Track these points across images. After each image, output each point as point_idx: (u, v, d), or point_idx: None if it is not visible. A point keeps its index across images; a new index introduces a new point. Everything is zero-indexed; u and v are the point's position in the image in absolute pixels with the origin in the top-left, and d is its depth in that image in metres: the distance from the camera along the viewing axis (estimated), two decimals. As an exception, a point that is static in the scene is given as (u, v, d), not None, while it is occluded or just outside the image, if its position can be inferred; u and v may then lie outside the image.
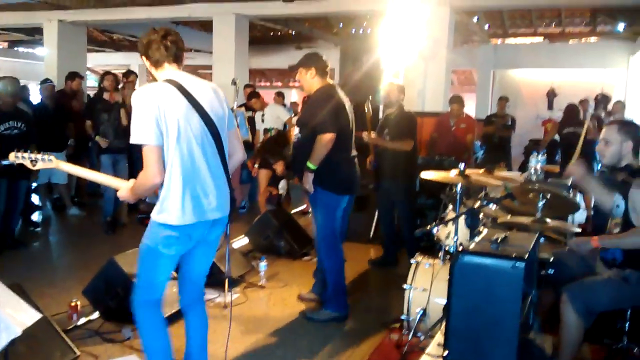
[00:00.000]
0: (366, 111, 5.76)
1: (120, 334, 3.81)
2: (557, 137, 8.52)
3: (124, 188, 2.75)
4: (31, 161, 2.86)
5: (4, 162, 3.11)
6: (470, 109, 13.06)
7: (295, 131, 4.27)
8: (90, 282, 4.15)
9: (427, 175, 3.51)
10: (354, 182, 4.28)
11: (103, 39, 14.85)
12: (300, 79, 4.17)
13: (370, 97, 6.49)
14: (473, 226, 2.71)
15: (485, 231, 2.51)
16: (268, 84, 18.16)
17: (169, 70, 2.69)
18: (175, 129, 2.55)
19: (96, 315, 4.08)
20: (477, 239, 2.41)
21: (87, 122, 6.93)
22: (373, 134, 5.50)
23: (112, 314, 4.02)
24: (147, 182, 2.58)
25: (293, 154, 4.35)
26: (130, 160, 7.16)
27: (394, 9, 6.81)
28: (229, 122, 2.80)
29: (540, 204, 2.90)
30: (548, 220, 2.95)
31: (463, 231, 3.41)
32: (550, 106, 12.44)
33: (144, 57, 2.73)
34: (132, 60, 16.65)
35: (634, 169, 3.17)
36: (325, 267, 4.27)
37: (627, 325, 3.30)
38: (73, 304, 4.00)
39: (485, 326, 2.14)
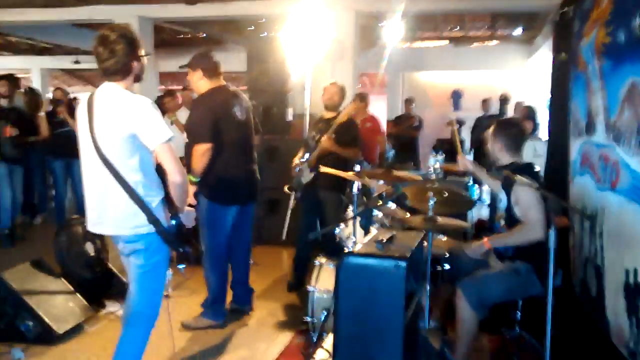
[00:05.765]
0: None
1: (9, 356, 3.58)
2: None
3: None
4: None
5: None
6: (382, 111, 13.35)
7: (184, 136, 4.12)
8: (-22, 301, 3.88)
9: (326, 169, 3.51)
10: (241, 191, 4.11)
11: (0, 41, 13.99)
12: (189, 80, 4.03)
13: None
14: (367, 226, 2.74)
15: (374, 231, 2.54)
16: (180, 87, 17.75)
17: (107, 82, 2.71)
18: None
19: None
20: (365, 239, 2.43)
21: None
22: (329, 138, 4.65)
23: (3, 334, 3.78)
24: None
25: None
26: (26, 170, 6.88)
27: (297, 13, 6.83)
28: (147, 139, 2.60)
29: (431, 202, 2.98)
30: (439, 218, 3.04)
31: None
32: (456, 107, 12.92)
33: None
34: (33, 64, 15.82)
35: (518, 166, 3.33)
36: (209, 279, 4.16)
37: (518, 314, 3.47)
38: (-43, 325, 3.73)
39: (371, 328, 2.15)
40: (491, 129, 3.46)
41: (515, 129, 3.52)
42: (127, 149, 2.62)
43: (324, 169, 3.61)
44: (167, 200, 2.75)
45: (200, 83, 3.97)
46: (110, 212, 2.70)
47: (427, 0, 8.34)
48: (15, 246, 6.43)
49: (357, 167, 3.39)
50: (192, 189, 3.78)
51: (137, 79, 2.77)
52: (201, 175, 3.83)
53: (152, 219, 2.66)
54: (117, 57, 2.62)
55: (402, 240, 2.37)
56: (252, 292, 4.54)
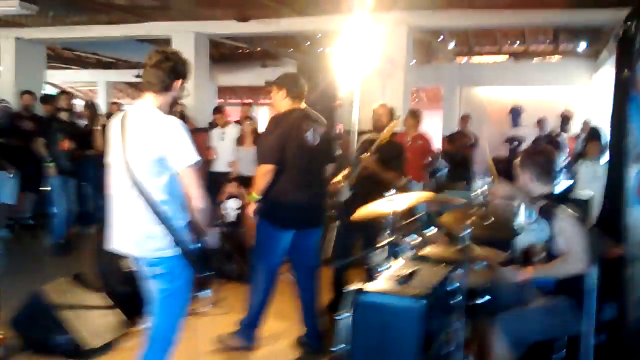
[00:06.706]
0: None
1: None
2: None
3: None
4: None
5: None
6: (438, 126, 13.07)
7: None
8: (18, 313, 3.97)
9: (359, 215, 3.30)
10: (298, 216, 3.95)
11: (69, 56, 14.64)
12: (272, 96, 4.03)
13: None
14: (396, 254, 2.60)
15: (397, 264, 2.40)
16: (239, 101, 18.05)
17: (143, 98, 2.79)
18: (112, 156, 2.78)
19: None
20: (386, 274, 2.30)
21: (40, 139, 6.76)
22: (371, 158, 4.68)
23: (39, 347, 3.85)
24: None
25: None
26: (81, 179, 7.10)
27: (347, 29, 6.75)
28: (174, 161, 2.64)
29: (465, 232, 2.79)
30: (474, 248, 2.86)
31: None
32: (515, 123, 12.47)
33: None
34: (99, 77, 16.48)
35: (556, 196, 3.14)
36: (250, 300, 4.05)
37: (561, 354, 3.23)
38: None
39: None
40: (517, 160, 3.26)
41: (543, 157, 3.29)
42: (156, 169, 2.66)
43: (357, 216, 3.41)
44: (192, 223, 2.74)
45: (281, 102, 3.96)
46: (134, 231, 2.72)
47: (484, 14, 8.09)
48: (67, 257, 6.57)
49: (392, 192, 3.24)
50: (251, 205, 3.84)
51: (174, 101, 2.85)
52: (261, 194, 3.82)
53: (178, 240, 2.66)
54: (161, 72, 2.72)
55: (426, 275, 2.23)
56: (317, 327, 4.21)
